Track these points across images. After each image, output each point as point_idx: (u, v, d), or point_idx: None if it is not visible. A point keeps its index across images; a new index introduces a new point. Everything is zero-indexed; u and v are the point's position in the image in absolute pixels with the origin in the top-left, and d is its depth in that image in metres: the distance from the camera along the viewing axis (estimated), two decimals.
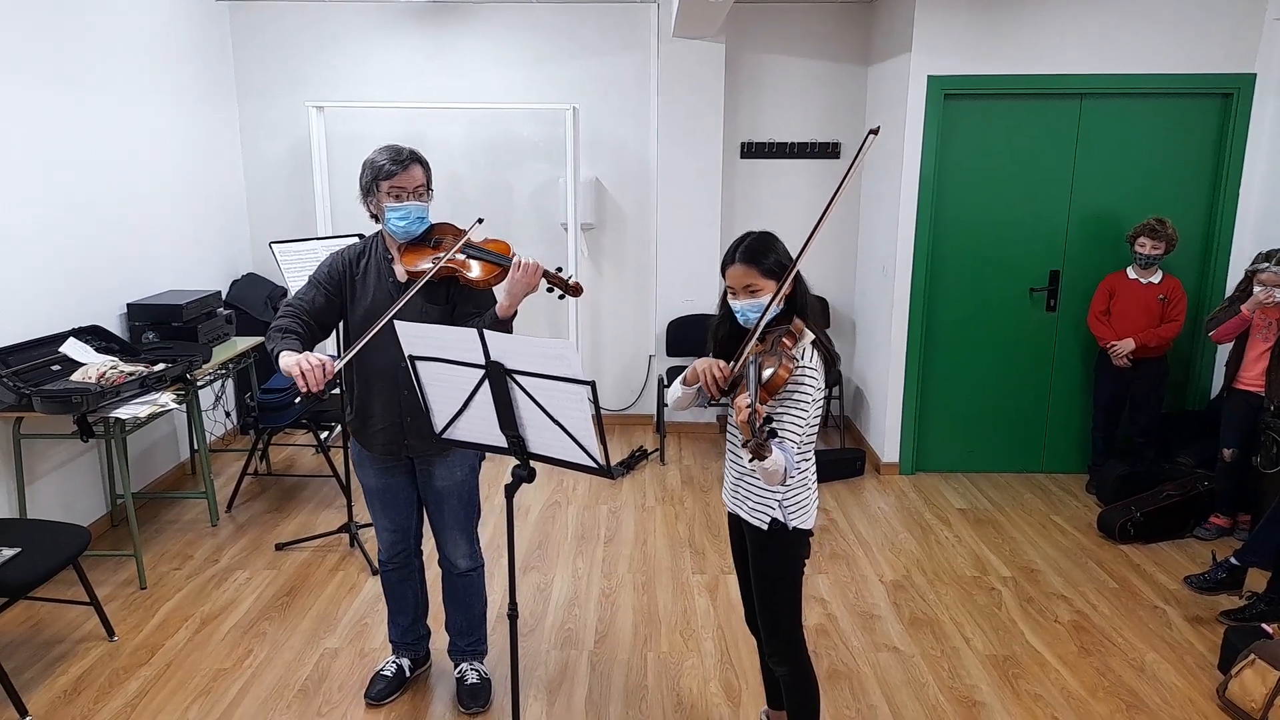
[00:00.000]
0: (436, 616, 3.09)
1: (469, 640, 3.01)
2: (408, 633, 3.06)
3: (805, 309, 2.22)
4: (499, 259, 2.63)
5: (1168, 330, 4.49)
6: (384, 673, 3.03)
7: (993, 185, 4.84)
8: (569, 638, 3.40)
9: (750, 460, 1.87)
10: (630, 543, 4.22)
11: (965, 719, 2.92)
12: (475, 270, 2.63)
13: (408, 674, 3.07)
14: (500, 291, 2.62)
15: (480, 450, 2.30)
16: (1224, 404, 4.22)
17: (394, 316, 2.48)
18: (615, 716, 2.92)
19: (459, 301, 2.69)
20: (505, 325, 2.57)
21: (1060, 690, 3.08)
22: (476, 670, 3.00)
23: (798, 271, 2.18)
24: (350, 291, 2.71)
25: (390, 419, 2.69)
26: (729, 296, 2.25)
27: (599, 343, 5.94)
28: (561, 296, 2.66)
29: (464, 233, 2.69)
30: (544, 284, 2.62)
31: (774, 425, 1.93)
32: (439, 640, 3.13)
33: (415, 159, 2.65)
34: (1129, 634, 3.45)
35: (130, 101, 4.45)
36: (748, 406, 1.87)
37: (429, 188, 2.70)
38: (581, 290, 2.66)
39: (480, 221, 2.73)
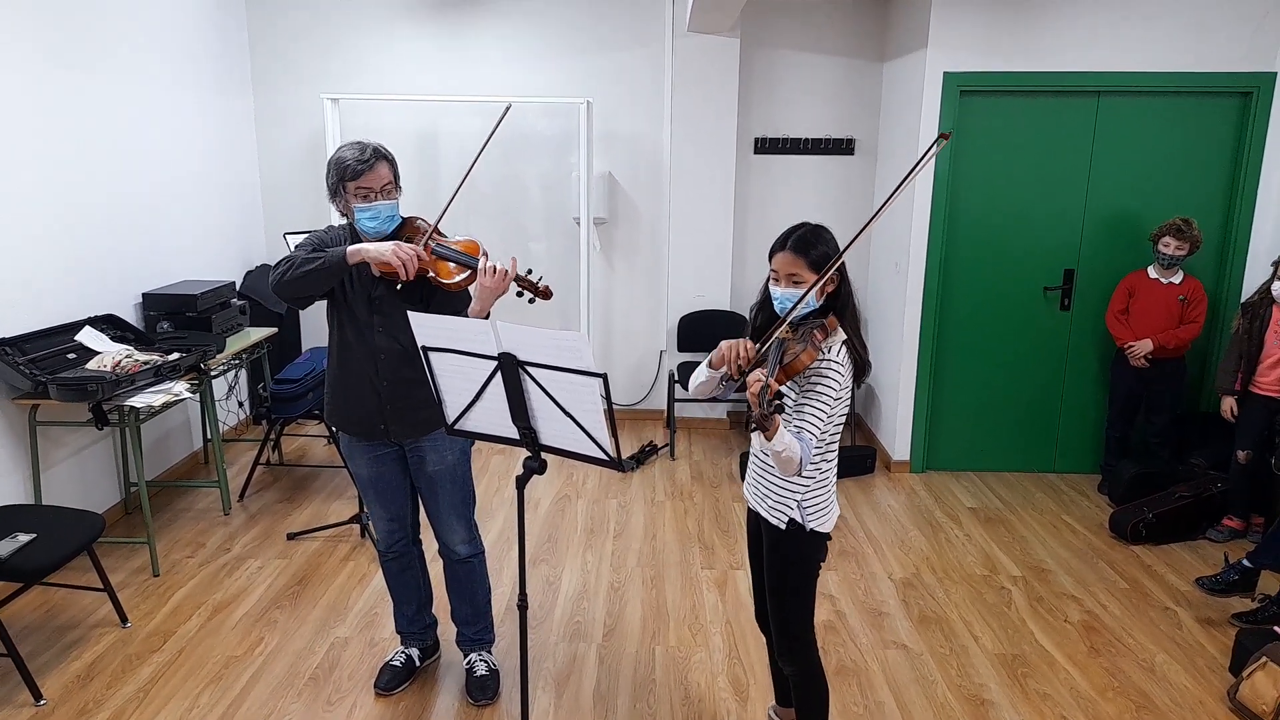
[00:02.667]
0: (443, 606, 3.10)
1: (475, 629, 3.02)
2: (413, 622, 3.07)
3: (845, 310, 2.20)
4: (468, 260, 2.57)
5: (1186, 332, 4.46)
6: (393, 663, 3.04)
7: (1008, 183, 4.82)
8: (578, 630, 3.41)
9: (752, 428, 1.90)
10: (639, 537, 4.23)
11: (974, 717, 2.92)
12: (446, 273, 2.58)
13: (417, 664, 3.08)
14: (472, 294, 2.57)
15: (491, 441, 2.31)
16: (1239, 406, 4.18)
17: (374, 317, 2.59)
18: (623, 710, 2.93)
19: (434, 304, 2.64)
20: None
21: (1069, 690, 3.07)
22: (485, 661, 3.01)
23: (843, 272, 2.19)
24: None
25: (368, 404, 2.69)
26: (771, 282, 2.24)
27: (610, 337, 5.94)
28: (531, 300, 2.60)
29: (433, 227, 2.65)
30: (514, 287, 2.56)
31: (782, 402, 1.93)
32: (448, 630, 3.15)
33: (381, 156, 2.60)
34: (1139, 635, 3.43)
35: (147, 92, 4.48)
36: (759, 380, 1.89)
37: (397, 184, 2.66)
38: (551, 294, 2.60)
39: (509, 107, 2.77)
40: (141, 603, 3.53)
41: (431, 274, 2.57)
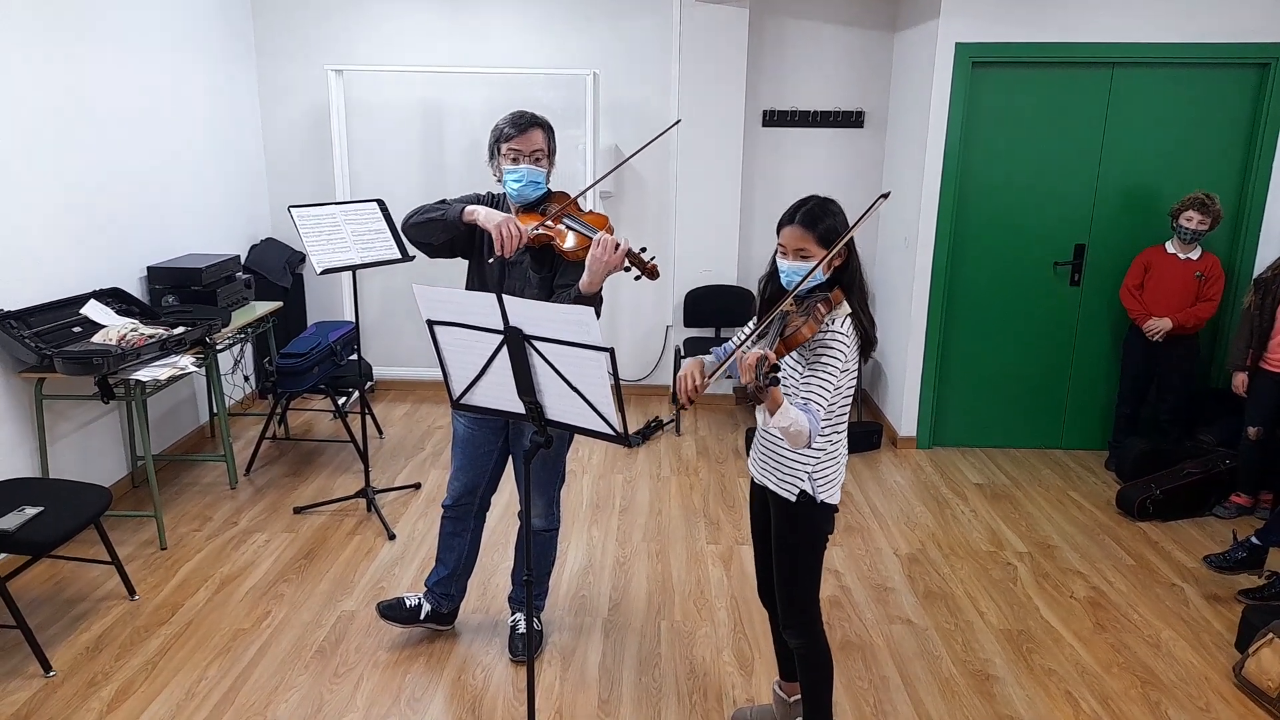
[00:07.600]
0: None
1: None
2: (439, 583, 3.12)
3: (852, 284, 2.21)
4: (586, 230, 2.62)
5: (1203, 310, 4.41)
6: (406, 600, 3.11)
7: (1019, 156, 4.76)
8: (584, 605, 3.42)
9: (748, 402, 1.92)
10: (645, 512, 4.23)
11: (978, 692, 2.92)
12: (568, 241, 2.63)
13: (421, 617, 3.12)
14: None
15: (496, 415, 2.30)
16: (1249, 383, 4.15)
17: (504, 282, 2.67)
18: (628, 683, 2.94)
19: (560, 271, 2.72)
20: (589, 300, 2.54)
21: (1074, 665, 3.07)
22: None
23: (851, 246, 2.20)
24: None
25: None
26: (779, 255, 2.24)
27: (616, 312, 5.91)
28: (638, 278, 2.62)
29: (572, 200, 2.72)
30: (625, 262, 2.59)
31: (778, 375, 1.93)
32: (463, 614, 3.17)
33: (536, 124, 2.70)
34: (1145, 611, 3.43)
35: (151, 63, 4.43)
36: (756, 354, 1.90)
37: (550, 156, 2.74)
38: (658, 275, 2.62)
39: (679, 121, 2.99)
40: (149, 575, 3.55)
41: (555, 240, 2.63)
